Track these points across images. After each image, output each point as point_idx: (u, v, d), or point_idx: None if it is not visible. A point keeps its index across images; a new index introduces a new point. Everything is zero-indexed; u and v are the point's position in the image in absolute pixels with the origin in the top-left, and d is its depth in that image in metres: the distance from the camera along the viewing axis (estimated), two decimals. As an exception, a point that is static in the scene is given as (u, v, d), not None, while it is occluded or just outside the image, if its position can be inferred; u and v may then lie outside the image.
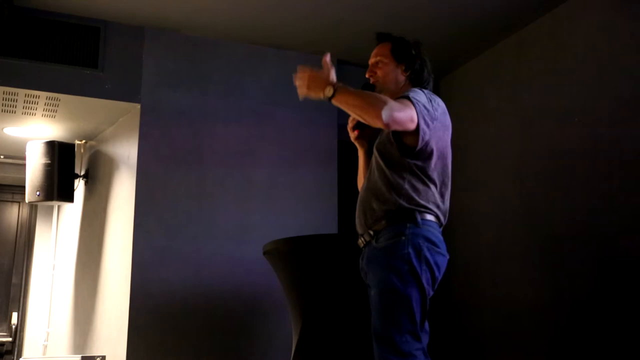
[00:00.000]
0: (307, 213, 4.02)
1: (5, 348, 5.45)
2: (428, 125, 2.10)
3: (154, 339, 3.56)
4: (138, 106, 3.84)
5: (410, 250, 2.05)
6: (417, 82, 2.33)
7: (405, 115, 2.04)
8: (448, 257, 2.18)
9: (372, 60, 2.39)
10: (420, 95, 2.14)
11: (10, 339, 5.47)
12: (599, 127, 3.39)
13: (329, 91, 2.09)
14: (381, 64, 2.36)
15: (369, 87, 2.34)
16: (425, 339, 2.10)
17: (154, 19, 3.86)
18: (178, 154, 3.85)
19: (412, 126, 2.06)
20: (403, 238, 2.06)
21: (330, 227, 4.01)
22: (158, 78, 3.91)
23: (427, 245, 2.08)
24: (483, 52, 4.34)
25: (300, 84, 2.19)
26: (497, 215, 4.09)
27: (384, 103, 2.02)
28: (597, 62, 3.43)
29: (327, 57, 2.18)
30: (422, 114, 2.08)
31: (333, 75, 2.14)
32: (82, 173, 4.69)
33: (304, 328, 2.85)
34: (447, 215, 2.24)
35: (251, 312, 3.80)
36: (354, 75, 4.49)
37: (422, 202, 2.11)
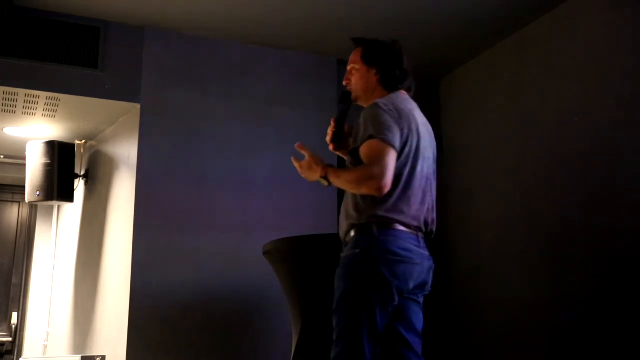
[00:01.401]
0: (307, 213, 4.02)
1: (5, 348, 5.45)
2: (403, 147, 2.15)
3: (154, 339, 3.56)
4: (138, 106, 3.84)
5: (361, 265, 2.09)
6: (389, 84, 2.33)
7: (389, 167, 2.07)
8: (420, 261, 2.18)
9: (348, 67, 2.42)
10: (381, 120, 2.13)
11: (10, 339, 5.47)
12: (599, 127, 3.39)
13: (324, 182, 2.21)
14: (354, 71, 2.39)
15: (346, 95, 2.38)
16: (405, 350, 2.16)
17: (154, 19, 3.86)
18: (178, 154, 3.85)
19: (395, 161, 2.10)
20: (357, 251, 2.11)
21: (330, 227, 4.01)
22: (158, 78, 3.91)
23: (385, 257, 2.08)
24: (483, 52, 4.34)
25: (302, 173, 2.31)
26: (497, 215, 4.09)
27: (369, 178, 2.05)
28: (597, 62, 3.43)
29: (297, 146, 2.29)
30: (389, 140, 2.10)
31: (317, 158, 2.24)
32: (82, 173, 4.69)
33: (304, 328, 2.85)
34: (428, 217, 2.26)
35: (251, 312, 3.79)
36: (354, 75, 4.51)
37: (380, 213, 2.11)
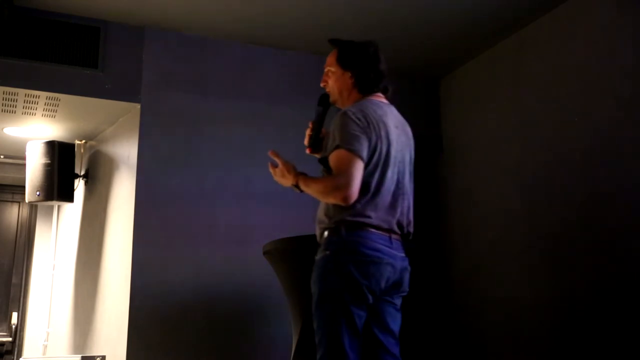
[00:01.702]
0: (307, 213, 4.01)
1: (5, 348, 5.45)
2: (372, 155, 2.17)
3: (154, 339, 3.56)
4: (138, 106, 3.84)
5: (331, 266, 2.13)
6: (364, 87, 2.35)
7: (355, 177, 2.10)
8: (391, 262, 2.20)
9: (325, 69, 2.43)
10: (348, 129, 2.15)
11: (10, 339, 5.47)
12: (599, 127, 3.39)
13: (296, 189, 2.28)
14: (330, 73, 2.40)
15: (323, 97, 2.40)
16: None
17: (154, 19, 3.86)
18: (178, 154, 3.85)
19: (362, 172, 2.13)
20: (327, 253, 2.15)
21: (330, 227, 4.01)
22: (158, 78, 3.91)
23: (354, 258, 2.12)
24: (483, 52, 4.34)
25: (276, 179, 2.36)
26: (497, 215, 4.09)
27: (335, 189, 2.10)
28: (597, 62, 3.43)
29: (271, 153, 2.34)
30: (355, 149, 2.12)
31: (289, 166, 2.29)
32: (82, 173, 4.69)
33: (304, 328, 2.85)
34: (403, 219, 2.26)
35: (251, 312, 3.79)
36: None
37: (349, 217, 2.14)
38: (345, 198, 2.09)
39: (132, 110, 3.94)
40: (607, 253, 3.27)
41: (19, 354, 5.35)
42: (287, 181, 2.31)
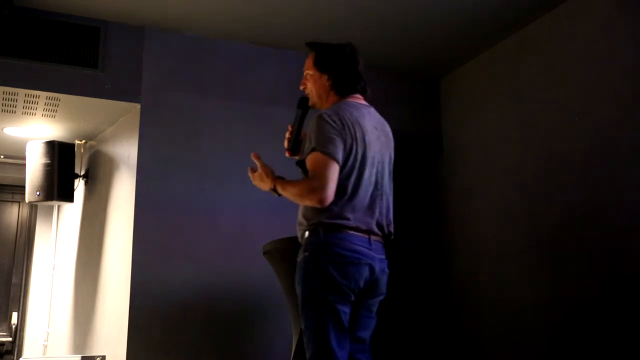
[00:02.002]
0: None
1: (5, 348, 5.45)
2: (347, 156, 2.20)
3: (154, 339, 3.56)
4: (138, 106, 3.84)
5: (311, 267, 2.17)
6: (341, 89, 2.37)
7: (330, 179, 2.13)
8: (369, 262, 2.22)
9: (304, 72, 2.46)
10: (324, 132, 2.18)
11: (10, 339, 5.47)
12: (599, 127, 3.39)
13: (274, 193, 2.31)
14: (309, 76, 2.43)
15: (303, 100, 2.44)
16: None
17: (154, 19, 3.86)
18: (178, 154, 3.85)
19: (337, 174, 2.16)
20: (306, 254, 2.20)
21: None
22: (158, 78, 3.91)
23: (332, 258, 2.15)
24: (483, 52, 4.34)
25: (254, 183, 2.38)
26: (497, 215, 4.09)
27: (310, 191, 2.14)
28: (597, 62, 3.43)
29: (253, 156, 2.37)
30: (330, 152, 2.15)
31: (268, 170, 2.32)
32: (82, 173, 4.69)
33: (304, 328, 2.85)
34: (382, 220, 2.29)
35: (251, 312, 3.79)
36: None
37: (326, 220, 2.17)
38: (321, 200, 2.12)
39: (132, 110, 3.94)
40: (607, 253, 3.27)
41: (19, 354, 5.36)
42: (265, 185, 2.33)
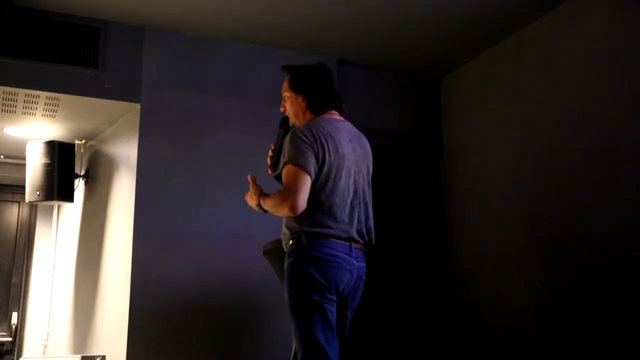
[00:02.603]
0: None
1: (5, 348, 5.45)
2: (320, 167, 2.33)
3: (154, 339, 3.56)
4: (138, 106, 3.84)
5: (295, 271, 2.30)
6: (317, 108, 2.52)
7: (300, 190, 2.26)
8: (349, 268, 2.34)
9: (282, 94, 2.62)
10: (295, 146, 2.31)
11: (10, 339, 5.47)
12: (599, 127, 3.39)
13: (260, 210, 2.44)
14: (286, 98, 2.59)
15: (285, 120, 2.60)
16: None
17: (154, 19, 3.86)
18: (178, 154, 3.85)
19: (309, 184, 2.29)
20: (290, 259, 2.33)
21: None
22: (158, 78, 3.90)
23: (313, 261, 2.27)
24: (483, 52, 4.34)
25: (248, 202, 2.53)
26: (497, 215, 4.09)
27: (282, 201, 2.27)
28: (597, 62, 3.43)
29: (249, 177, 2.53)
30: (301, 164, 2.29)
31: (257, 190, 2.49)
32: (82, 173, 4.69)
33: (304, 328, 2.85)
34: (362, 228, 2.42)
35: (251, 312, 3.79)
36: (354, 75, 4.51)
37: (309, 228, 2.30)
38: (292, 208, 2.24)
39: (132, 110, 3.94)
40: (607, 253, 3.27)
41: (19, 354, 5.36)
42: (253, 202, 2.49)
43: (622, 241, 3.20)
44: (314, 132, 2.37)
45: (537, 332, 3.66)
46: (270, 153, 2.56)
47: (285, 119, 2.60)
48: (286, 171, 2.31)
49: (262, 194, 2.46)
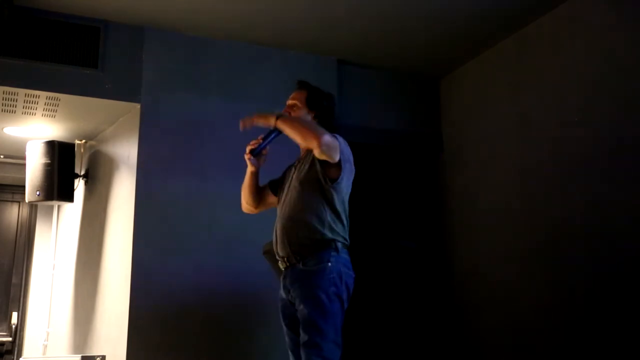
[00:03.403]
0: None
1: (5, 348, 5.45)
2: (347, 162, 2.52)
3: (154, 339, 3.56)
4: (138, 106, 3.84)
5: (335, 275, 2.42)
6: (325, 129, 2.58)
7: (335, 146, 2.43)
8: (355, 275, 2.54)
9: (289, 102, 2.74)
10: (341, 139, 2.52)
11: (10, 339, 5.47)
12: (599, 127, 3.39)
13: (272, 119, 2.53)
14: (296, 108, 2.71)
15: None
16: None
17: (154, 19, 3.86)
18: (178, 154, 3.85)
19: (337, 157, 2.45)
20: (329, 264, 2.42)
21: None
22: (158, 78, 3.90)
23: (344, 269, 2.46)
24: (483, 52, 4.34)
25: (246, 120, 2.59)
26: (497, 215, 4.09)
27: (322, 132, 2.41)
28: (597, 62, 3.43)
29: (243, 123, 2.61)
30: (344, 152, 2.50)
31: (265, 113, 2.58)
32: (82, 173, 4.69)
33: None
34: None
35: (251, 312, 3.79)
36: (354, 75, 4.51)
37: (339, 231, 2.49)
38: (319, 140, 2.38)
39: (132, 110, 3.94)
40: (607, 253, 3.27)
41: (19, 354, 5.36)
42: (263, 117, 2.57)
43: (622, 241, 3.20)
44: (349, 147, 2.59)
45: (537, 332, 3.66)
46: (254, 142, 2.68)
47: None
48: (331, 138, 2.44)
49: (276, 114, 2.55)
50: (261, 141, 2.66)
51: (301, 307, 2.40)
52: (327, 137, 2.39)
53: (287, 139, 2.70)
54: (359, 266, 2.55)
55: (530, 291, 3.75)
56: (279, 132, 2.62)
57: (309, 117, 2.68)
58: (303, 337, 2.37)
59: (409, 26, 3.97)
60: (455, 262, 4.47)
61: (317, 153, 2.43)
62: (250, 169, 2.76)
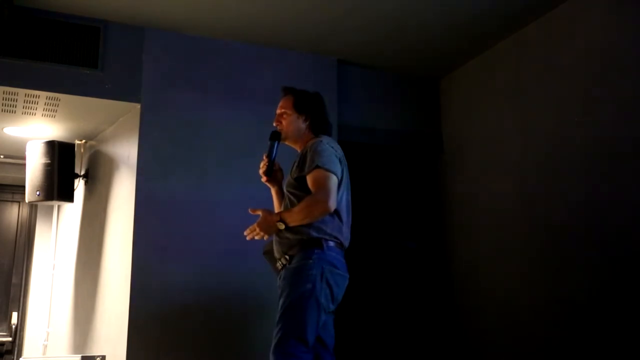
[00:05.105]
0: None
1: (5, 348, 5.45)
2: (340, 180, 2.53)
3: (154, 339, 3.56)
4: (138, 106, 3.84)
5: (315, 272, 2.43)
6: (318, 129, 2.73)
7: (332, 191, 2.45)
8: (348, 276, 2.56)
9: (278, 111, 2.77)
10: (326, 154, 2.52)
11: (10, 339, 5.47)
12: (599, 127, 3.39)
13: (281, 225, 2.50)
14: (285, 115, 2.74)
15: (276, 134, 2.72)
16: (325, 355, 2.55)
17: (154, 19, 3.86)
18: (178, 154, 3.85)
19: (337, 188, 2.48)
20: (310, 261, 2.44)
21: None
22: (158, 78, 3.91)
23: (329, 267, 2.46)
24: (483, 52, 4.34)
25: (258, 234, 2.54)
26: (497, 215, 4.09)
27: (317, 201, 2.42)
28: (597, 62, 3.43)
29: (251, 210, 2.59)
30: (334, 170, 2.49)
31: (269, 211, 2.57)
32: (82, 173, 4.69)
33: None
34: (348, 236, 2.62)
35: (251, 312, 3.79)
36: (354, 75, 4.51)
37: (328, 231, 2.49)
38: (329, 207, 2.42)
39: (132, 110, 3.94)
40: (607, 253, 3.27)
41: (19, 354, 5.36)
42: (271, 224, 2.52)
43: (622, 241, 3.20)
44: (334, 146, 2.62)
45: (537, 332, 3.66)
46: (263, 164, 2.71)
47: (276, 133, 2.72)
48: (317, 174, 2.47)
49: (277, 213, 2.58)
50: (267, 159, 2.71)
51: (279, 302, 2.49)
52: (328, 202, 2.41)
53: (286, 148, 2.78)
54: (359, 266, 2.55)
55: (530, 291, 3.75)
56: (278, 141, 2.69)
57: (300, 122, 2.71)
58: (274, 330, 2.45)
59: (409, 26, 3.97)
60: (455, 262, 4.47)
61: (294, 175, 2.58)
62: (273, 189, 2.83)
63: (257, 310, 3.78)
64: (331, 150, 2.56)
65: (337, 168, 2.53)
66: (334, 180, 2.47)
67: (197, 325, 3.66)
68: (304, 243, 2.48)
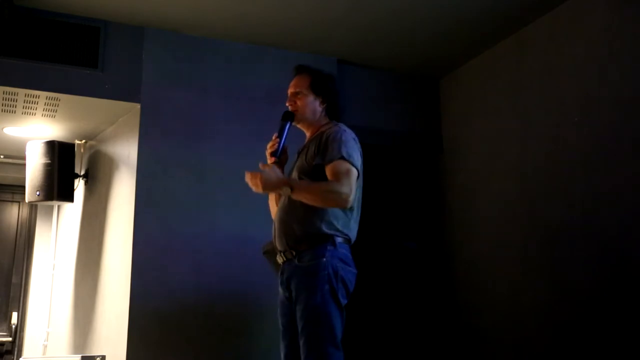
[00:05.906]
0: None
1: (5, 348, 5.45)
2: (359, 170, 2.43)
3: (154, 339, 3.56)
4: (138, 106, 3.84)
5: (330, 271, 2.33)
6: (333, 113, 2.60)
7: (352, 182, 2.34)
8: (356, 271, 2.45)
9: (291, 90, 2.60)
10: (350, 145, 2.41)
11: (10, 339, 5.47)
12: (599, 127, 3.39)
13: (286, 190, 2.37)
14: (300, 95, 2.57)
15: (289, 114, 2.55)
16: None
17: (154, 19, 3.86)
18: (178, 154, 3.85)
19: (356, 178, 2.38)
20: (324, 259, 2.34)
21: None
22: (158, 78, 3.91)
23: (341, 265, 2.36)
24: (483, 52, 4.34)
25: (253, 184, 2.37)
26: (497, 215, 4.09)
27: (339, 193, 2.29)
28: (597, 62, 3.43)
29: (260, 165, 2.42)
30: (357, 165, 2.39)
31: (279, 172, 2.41)
32: (82, 173, 4.69)
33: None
34: (356, 235, 2.52)
35: (251, 312, 3.79)
36: (353, 75, 4.51)
37: (339, 227, 2.39)
38: (347, 200, 2.30)
39: (132, 110, 3.94)
40: (607, 253, 3.27)
41: (19, 354, 5.36)
42: (273, 185, 2.37)
43: (622, 241, 3.20)
44: (355, 137, 2.48)
45: (537, 332, 3.66)
46: (271, 143, 2.53)
47: (289, 114, 2.56)
48: (340, 166, 2.34)
49: (291, 181, 2.43)
50: (278, 140, 2.51)
51: (298, 307, 2.37)
52: (348, 194, 2.30)
53: (294, 131, 2.60)
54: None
55: (530, 291, 3.75)
56: (291, 122, 2.54)
57: (316, 104, 2.56)
58: (300, 337, 2.33)
59: (408, 26, 3.97)
60: (456, 262, 4.47)
61: (309, 162, 2.44)
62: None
63: (257, 310, 3.78)
64: (354, 141, 2.45)
65: (360, 162, 2.42)
66: (355, 174, 2.36)
67: (197, 325, 3.66)
68: (314, 238, 2.37)
